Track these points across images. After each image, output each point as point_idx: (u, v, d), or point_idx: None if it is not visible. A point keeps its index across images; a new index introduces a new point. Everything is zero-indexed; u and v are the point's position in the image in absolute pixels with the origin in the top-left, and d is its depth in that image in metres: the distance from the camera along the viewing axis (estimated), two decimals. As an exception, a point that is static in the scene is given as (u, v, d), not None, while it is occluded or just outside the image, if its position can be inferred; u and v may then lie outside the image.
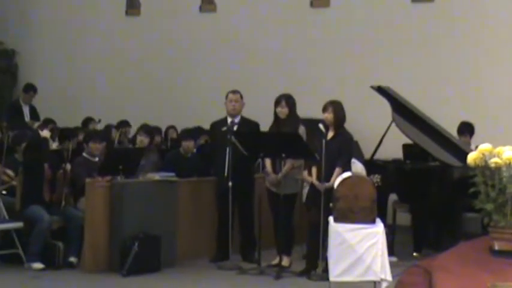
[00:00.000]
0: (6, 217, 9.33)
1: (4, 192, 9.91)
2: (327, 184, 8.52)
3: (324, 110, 8.82)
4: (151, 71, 14.78)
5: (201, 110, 13.62)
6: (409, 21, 12.60)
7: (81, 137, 11.23)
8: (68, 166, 9.40)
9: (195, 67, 14.40)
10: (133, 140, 11.42)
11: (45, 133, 9.57)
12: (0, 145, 10.80)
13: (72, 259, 9.04)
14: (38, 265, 8.92)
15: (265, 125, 9.63)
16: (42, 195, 9.19)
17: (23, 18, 16.21)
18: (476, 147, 4.98)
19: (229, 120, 9.61)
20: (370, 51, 12.82)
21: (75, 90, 15.39)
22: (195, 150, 11.15)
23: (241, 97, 9.68)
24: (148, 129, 10.89)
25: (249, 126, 9.57)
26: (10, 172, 9.94)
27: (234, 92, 9.70)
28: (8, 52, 16.09)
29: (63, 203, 9.22)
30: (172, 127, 12.90)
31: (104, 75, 15.23)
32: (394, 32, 12.67)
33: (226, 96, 9.69)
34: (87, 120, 12.64)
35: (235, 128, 9.49)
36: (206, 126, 12.28)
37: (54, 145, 10.64)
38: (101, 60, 15.29)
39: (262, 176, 9.55)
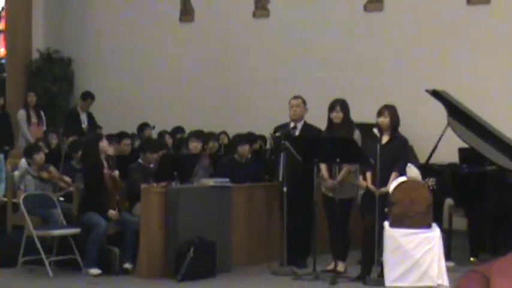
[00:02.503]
0: (64, 223, 9.46)
1: (62, 198, 10.06)
2: (382, 189, 8.46)
3: (379, 114, 8.77)
4: (206, 77, 14.86)
5: (254, 115, 13.65)
6: (465, 23, 12.46)
7: (137, 143, 11.37)
8: (116, 172, 9.46)
9: (248, 73, 14.43)
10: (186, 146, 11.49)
11: (105, 144, 9.62)
12: (58, 152, 10.98)
13: (128, 265, 9.11)
14: (95, 271, 9.01)
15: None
16: (100, 202, 9.26)
17: (79, 26, 16.44)
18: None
19: (291, 125, 9.63)
20: (425, 54, 12.70)
21: (130, 97, 15.56)
22: (249, 155, 11.16)
23: (304, 102, 9.68)
24: (199, 135, 10.92)
25: (311, 132, 9.57)
26: (67, 179, 10.09)
27: (296, 97, 9.72)
28: (65, 60, 16.33)
29: (115, 208, 9.28)
30: (224, 132, 12.93)
31: (158, 82, 15.36)
32: (449, 35, 12.54)
33: (289, 102, 9.70)
34: (142, 126, 12.75)
35: (297, 133, 9.50)
36: (259, 132, 12.33)
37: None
38: (156, 67, 15.44)
39: (318, 182, 9.51)
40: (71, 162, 10.40)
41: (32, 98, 13.82)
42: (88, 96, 13.82)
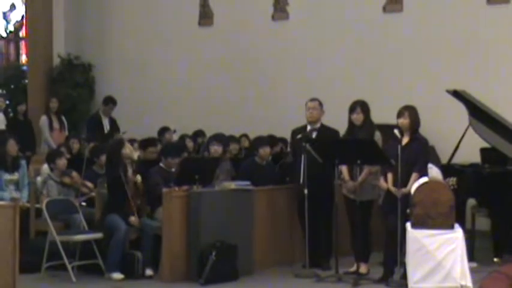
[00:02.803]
0: (86, 228, 9.50)
1: (84, 203, 10.11)
2: (403, 190, 8.44)
3: (400, 115, 8.75)
4: (226, 80, 14.88)
5: (274, 118, 13.66)
6: (485, 23, 12.40)
7: (159, 147, 11.35)
8: (139, 177, 9.47)
9: (268, 75, 14.44)
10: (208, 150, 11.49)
11: (128, 151, 9.63)
12: (80, 158, 11.03)
13: (149, 271, 9.12)
14: (118, 275, 9.04)
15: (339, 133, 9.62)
16: (122, 206, 9.28)
17: (99, 32, 16.53)
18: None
19: (308, 127, 9.63)
20: (444, 54, 12.65)
21: (150, 101, 15.61)
22: (270, 158, 11.17)
23: (321, 105, 9.69)
24: (220, 138, 10.92)
25: (328, 134, 9.57)
26: (89, 184, 10.14)
27: (313, 99, 9.73)
28: (85, 66, 16.42)
29: (135, 213, 9.29)
30: (245, 135, 12.94)
31: (178, 85, 15.40)
32: (469, 35, 12.48)
33: (306, 104, 9.71)
34: (163, 130, 12.78)
35: (314, 135, 9.51)
36: (279, 134, 12.33)
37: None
38: (175, 71, 15.48)
39: (339, 183, 9.51)
40: (92, 167, 10.45)
41: (54, 104, 13.92)
42: (110, 101, 13.89)
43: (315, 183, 9.16)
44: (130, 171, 9.38)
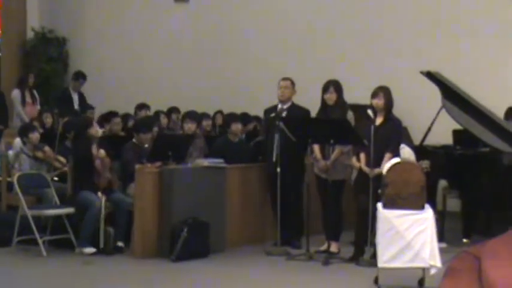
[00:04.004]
0: (58, 203, 9.47)
1: (56, 178, 10.08)
2: (376, 170, 8.49)
3: (374, 95, 8.77)
4: (201, 58, 14.83)
5: (250, 97, 13.64)
6: (463, 5, 12.45)
7: (130, 123, 11.37)
8: (102, 151, 9.48)
9: (244, 54, 14.41)
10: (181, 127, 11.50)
11: (94, 130, 9.66)
12: (53, 132, 10.98)
13: (120, 244, 9.15)
14: (89, 250, 9.05)
15: (312, 112, 9.62)
16: (92, 182, 9.30)
17: (74, 6, 16.37)
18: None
19: (279, 106, 9.63)
20: (419, 36, 12.69)
21: (125, 77, 15.52)
22: (243, 135, 11.19)
23: (293, 84, 9.69)
24: (193, 115, 10.92)
25: (299, 113, 9.58)
26: (62, 159, 10.10)
27: (285, 79, 9.73)
28: (59, 40, 16.27)
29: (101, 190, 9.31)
30: (219, 112, 12.92)
31: (153, 61, 15.32)
32: (440, 17, 12.53)
33: (278, 83, 9.71)
34: (140, 107, 12.73)
35: (284, 114, 9.52)
36: (254, 113, 12.33)
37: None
38: (151, 47, 15.39)
39: (311, 162, 9.54)
40: (65, 142, 10.41)
41: (31, 79, 13.80)
42: (80, 76, 13.79)
43: (287, 162, 9.18)
44: (94, 147, 9.39)
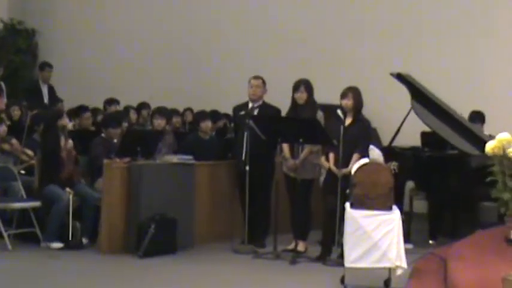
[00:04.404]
0: (24, 196, 9.40)
1: (23, 171, 9.99)
2: (344, 170, 8.52)
3: (343, 96, 8.80)
4: (172, 54, 14.79)
5: (220, 94, 13.63)
6: (431, 6, 12.54)
7: (99, 118, 11.33)
8: (70, 142, 9.43)
9: (214, 51, 14.40)
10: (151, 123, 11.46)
11: (65, 122, 9.64)
12: (20, 125, 10.89)
13: (84, 240, 9.09)
14: (56, 244, 8.99)
15: (282, 111, 9.63)
16: (60, 176, 9.25)
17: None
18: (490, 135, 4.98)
19: (250, 105, 9.63)
20: (389, 37, 12.76)
21: (95, 70, 15.44)
22: (213, 133, 11.20)
23: (264, 83, 9.69)
24: (163, 112, 10.91)
25: (270, 112, 9.58)
26: (29, 152, 10.02)
27: (256, 77, 9.72)
28: (28, 32, 16.14)
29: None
30: (189, 109, 12.90)
31: (123, 55, 15.25)
32: (415, 18, 12.61)
33: (249, 81, 9.69)
34: (109, 102, 12.67)
35: (255, 112, 9.52)
36: (224, 110, 12.33)
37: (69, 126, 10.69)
38: (121, 40, 15.31)
39: (279, 161, 9.56)
40: (33, 135, 10.33)
41: (1, 71, 13.64)
42: (45, 66, 13.65)
43: (256, 160, 9.19)
44: (63, 139, 9.34)
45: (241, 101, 9.83)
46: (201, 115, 10.75)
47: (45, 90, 13.48)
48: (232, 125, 11.40)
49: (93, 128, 11.06)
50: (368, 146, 8.83)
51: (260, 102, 9.65)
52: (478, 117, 10.81)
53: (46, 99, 13.39)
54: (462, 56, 12.23)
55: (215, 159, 10.17)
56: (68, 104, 12.94)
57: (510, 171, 5.49)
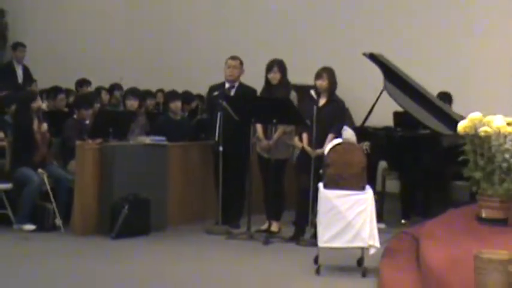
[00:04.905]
0: (-4, 178, 9.34)
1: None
2: (317, 150, 8.54)
3: (318, 76, 8.81)
4: (144, 33, 14.72)
5: (192, 75, 13.60)
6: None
7: (71, 99, 11.27)
8: (45, 125, 9.37)
9: (186, 32, 14.34)
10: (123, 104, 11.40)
11: (38, 104, 9.58)
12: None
13: (58, 221, 9.05)
14: (29, 226, 8.94)
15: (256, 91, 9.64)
16: (32, 157, 9.19)
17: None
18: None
19: (226, 85, 9.60)
20: (363, 17, 12.78)
21: (66, 51, 15.33)
22: (186, 114, 11.17)
23: (241, 63, 9.65)
24: (136, 92, 10.85)
25: (246, 92, 9.56)
26: (0, 133, 9.92)
27: (234, 58, 9.67)
28: (-3, 12, 15.99)
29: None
30: (161, 90, 12.85)
31: (95, 35, 15.15)
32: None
33: (226, 62, 9.65)
34: (81, 82, 12.57)
35: (232, 93, 9.50)
36: (197, 91, 12.29)
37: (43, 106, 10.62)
38: (93, 19, 15.20)
39: (253, 142, 9.56)
40: (3, 116, 10.23)
41: None
42: (18, 45, 13.55)
43: (230, 141, 9.18)
44: (36, 122, 9.27)
45: (216, 82, 9.79)
46: (171, 95, 10.74)
47: (19, 71, 13.37)
48: (205, 106, 11.37)
49: (66, 110, 11.00)
50: (342, 127, 8.84)
51: (237, 83, 9.63)
52: (445, 97, 10.88)
53: (20, 80, 13.28)
54: (432, 35, 12.27)
55: (187, 140, 10.15)
56: (40, 85, 12.84)
57: (481, 151, 5.53)
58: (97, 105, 10.69)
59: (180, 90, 11.64)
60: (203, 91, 11.14)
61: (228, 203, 9.44)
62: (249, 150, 9.38)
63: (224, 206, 9.36)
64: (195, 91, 12.41)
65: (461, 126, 5.52)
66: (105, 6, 15.13)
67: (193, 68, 13.94)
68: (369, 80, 10.98)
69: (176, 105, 10.38)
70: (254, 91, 9.64)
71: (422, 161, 9.92)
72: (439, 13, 12.25)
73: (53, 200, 9.03)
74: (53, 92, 11.33)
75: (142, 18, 14.74)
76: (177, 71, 14.08)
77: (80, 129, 9.57)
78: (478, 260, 4.57)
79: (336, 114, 8.78)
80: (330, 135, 8.58)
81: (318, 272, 7.32)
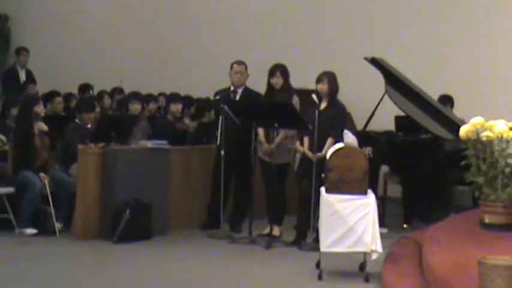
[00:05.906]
0: (-2, 182, 9.33)
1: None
2: (319, 154, 8.54)
3: (319, 80, 8.82)
4: (148, 40, 14.72)
5: (193, 79, 13.60)
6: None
7: (73, 103, 11.26)
8: (44, 126, 9.36)
9: (191, 36, 14.35)
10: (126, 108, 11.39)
11: (40, 109, 9.60)
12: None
13: (58, 225, 9.04)
14: (30, 230, 8.94)
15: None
16: (33, 161, 9.19)
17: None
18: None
19: (232, 89, 9.61)
20: (365, 22, 12.77)
21: (68, 55, 15.32)
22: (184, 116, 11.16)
23: (246, 68, 9.66)
24: (138, 96, 10.86)
25: (250, 97, 9.57)
26: (2, 137, 9.92)
27: (239, 63, 9.67)
28: (1, 16, 15.98)
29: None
30: (162, 94, 12.84)
31: (98, 39, 15.15)
32: (389, 4, 12.63)
33: (231, 67, 9.65)
34: (84, 87, 12.57)
35: (237, 97, 9.51)
36: (200, 95, 12.29)
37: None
38: (95, 25, 15.21)
39: (255, 146, 9.54)
40: (5, 120, 10.24)
41: None
42: (21, 50, 13.57)
43: (232, 145, 9.18)
44: (36, 125, 9.27)
45: (218, 86, 9.79)
46: (172, 98, 10.76)
47: (22, 75, 13.39)
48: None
49: (63, 113, 11.01)
50: (343, 130, 8.85)
51: (242, 88, 9.63)
52: (447, 100, 10.87)
53: (23, 83, 13.28)
54: (433, 39, 12.27)
55: (190, 144, 10.15)
56: (42, 89, 12.84)
57: (483, 155, 5.52)
58: (97, 110, 10.68)
59: (182, 93, 11.65)
60: (206, 95, 11.15)
61: (231, 207, 9.44)
62: (251, 154, 9.38)
63: (218, 208, 9.34)
64: (196, 96, 12.40)
65: (463, 131, 5.51)
66: (107, 11, 15.13)
67: (195, 73, 13.93)
68: (370, 85, 10.98)
69: (177, 107, 10.41)
70: (259, 95, 9.64)
71: (424, 166, 9.92)
72: (440, 17, 12.25)
73: (51, 203, 9.01)
74: (50, 95, 11.32)
75: (143, 23, 14.74)
76: (179, 76, 14.06)
77: (81, 133, 9.57)
78: (482, 266, 4.56)
79: (337, 118, 8.78)
80: (330, 140, 8.58)
81: (320, 276, 7.31)
